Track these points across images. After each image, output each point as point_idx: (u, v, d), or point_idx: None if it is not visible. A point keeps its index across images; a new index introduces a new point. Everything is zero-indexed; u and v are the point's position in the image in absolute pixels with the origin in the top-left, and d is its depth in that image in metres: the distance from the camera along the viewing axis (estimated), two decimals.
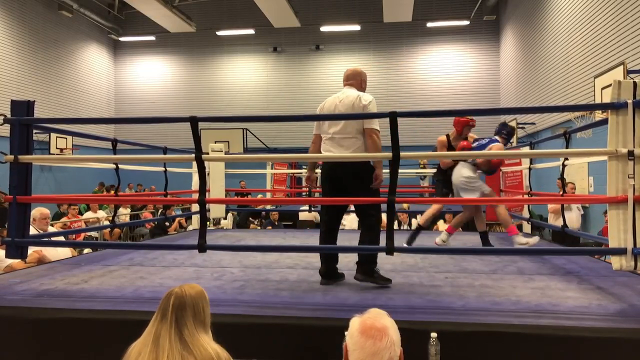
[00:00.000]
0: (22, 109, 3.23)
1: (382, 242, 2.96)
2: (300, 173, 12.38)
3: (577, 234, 5.99)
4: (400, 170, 3.40)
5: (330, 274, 3.37)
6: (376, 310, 1.62)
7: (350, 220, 9.54)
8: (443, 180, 5.06)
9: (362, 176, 3.24)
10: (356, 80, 3.50)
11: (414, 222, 9.15)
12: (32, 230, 4.07)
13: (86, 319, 2.59)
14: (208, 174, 5.81)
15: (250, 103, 17.07)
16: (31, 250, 3.98)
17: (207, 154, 4.41)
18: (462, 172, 4.74)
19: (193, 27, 16.20)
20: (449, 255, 4.30)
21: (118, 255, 4.42)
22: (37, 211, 4.70)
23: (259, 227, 9.55)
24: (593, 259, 4.20)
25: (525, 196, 5.97)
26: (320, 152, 3.46)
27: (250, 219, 10.44)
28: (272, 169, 11.31)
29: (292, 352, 2.42)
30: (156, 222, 9.93)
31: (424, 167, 11.97)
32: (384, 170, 3.29)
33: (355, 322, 1.56)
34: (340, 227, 4.22)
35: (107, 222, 9.19)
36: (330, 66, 17.04)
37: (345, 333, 1.57)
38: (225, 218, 7.72)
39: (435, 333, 2.15)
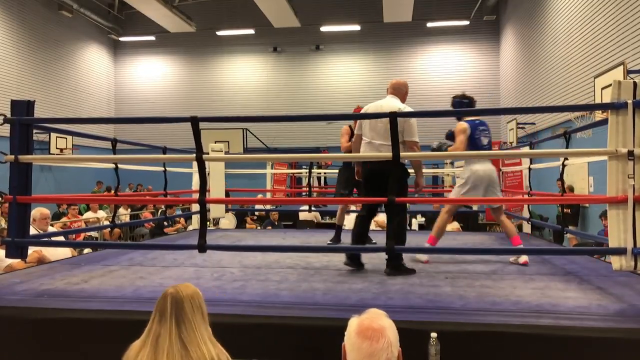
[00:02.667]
0: (22, 109, 3.22)
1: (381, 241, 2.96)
2: (300, 173, 12.38)
3: (578, 234, 6.00)
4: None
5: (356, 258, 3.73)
6: (375, 311, 1.61)
7: (349, 220, 9.54)
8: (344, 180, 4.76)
9: (395, 178, 3.43)
10: (400, 91, 3.83)
11: (414, 222, 9.16)
12: (32, 231, 4.07)
13: (86, 319, 2.59)
14: (208, 174, 5.81)
15: (250, 103, 17.05)
16: (31, 250, 3.97)
17: (207, 154, 4.41)
18: (492, 167, 4.12)
19: (193, 27, 16.20)
20: (449, 255, 4.31)
21: (118, 255, 4.42)
22: (37, 211, 4.70)
23: (258, 227, 9.54)
24: (593, 259, 4.20)
25: (525, 196, 5.98)
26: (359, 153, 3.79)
27: (249, 218, 10.40)
28: (272, 169, 11.31)
29: (292, 352, 2.42)
30: (156, 222, 9.92)
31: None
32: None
33: (353, 323, 1.56)
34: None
35: (107, 222, 9.19)
36: (330, 66, 17.04)
37: (345, 333, 1.57)
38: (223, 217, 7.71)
39: (435, 333, 2.15)
